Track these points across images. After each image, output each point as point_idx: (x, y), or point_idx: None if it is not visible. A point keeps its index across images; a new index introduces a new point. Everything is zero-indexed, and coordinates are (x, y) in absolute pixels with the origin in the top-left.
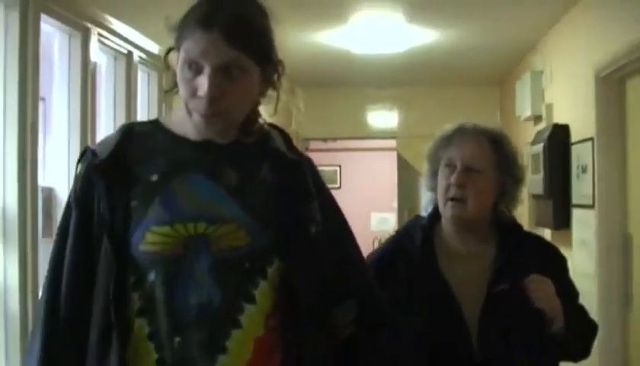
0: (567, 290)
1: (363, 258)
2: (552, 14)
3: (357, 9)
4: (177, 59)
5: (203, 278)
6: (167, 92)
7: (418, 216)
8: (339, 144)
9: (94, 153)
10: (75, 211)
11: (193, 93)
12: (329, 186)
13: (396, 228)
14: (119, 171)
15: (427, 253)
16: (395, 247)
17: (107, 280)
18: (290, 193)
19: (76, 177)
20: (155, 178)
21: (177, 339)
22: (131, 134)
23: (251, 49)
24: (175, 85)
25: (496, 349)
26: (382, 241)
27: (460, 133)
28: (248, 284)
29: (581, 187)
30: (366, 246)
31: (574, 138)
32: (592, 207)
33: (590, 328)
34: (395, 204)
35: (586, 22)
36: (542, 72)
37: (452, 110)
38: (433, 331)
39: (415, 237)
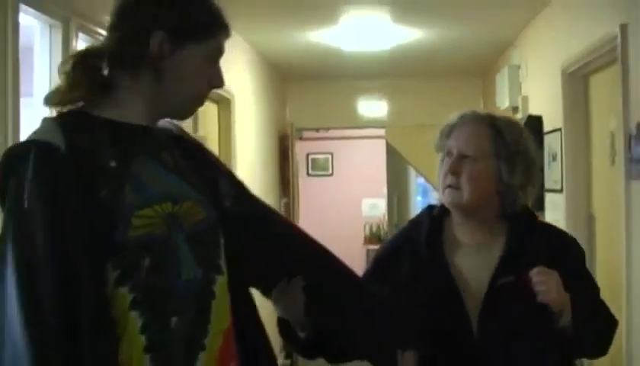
0: (582, 284)
1: (299, 232)
2: (527, 13)
3: (347, 10)
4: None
5: (186, 255)
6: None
7: (431, 206)
8: (331, 133)
9: (50, 146)
10: (46, 209)
11: (209, 82)
12: (321, 173)
13: (386, 213)
14: (79, 161)
15: (432, 244)
16: (403, 237)
17: (91, 279)
18: (201, 172)
19: (34, 172)
20: (113, 164)
21: (174, 320)
22: (66, 125)
23: None
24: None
25: (496, 343)
26: (373, 226)
27: (460, 122)
28: (214, 256)
29: (552, 174)
30: (358, 231)
31: (546, 128)
32: (561, 191)
33: (608, 324)
34: (385, 190)
35: (554, 23)
36: (519, 67)
37: (437, 100)
38: (435, 322)
39: (423, 227)
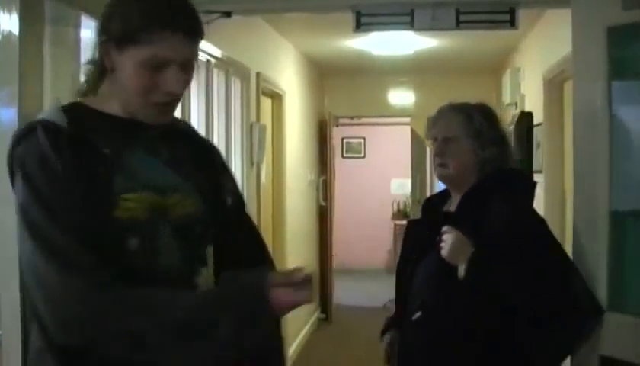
0: (507, 256)
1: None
2: (525, 25)
3: None
4: (118, 49)
5: (168, 243)
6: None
7: None
8: (363, 120)
9: (54, 125)
10: (44, 176)
11: (153, 87)
12: (355, 156)
13: (410, 192)
14: (78, 142)
15: (430, 209)
16: (433, 197)
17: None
18: (205, 169)
19: (53, 147)
20: (107, 151)
21: None
22: (69, 113)
23: (200, 41)
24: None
25: (420, 290)
26: (400, 204)
27: (439, 114)
28: (200, 247)
29: (537, 158)
30: (387, 207)
31: (535, 122)
32: (541, 172)
33: (525, 302)
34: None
35: (541, 36)
36: (519, 69)
37: (456, 94)
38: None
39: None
